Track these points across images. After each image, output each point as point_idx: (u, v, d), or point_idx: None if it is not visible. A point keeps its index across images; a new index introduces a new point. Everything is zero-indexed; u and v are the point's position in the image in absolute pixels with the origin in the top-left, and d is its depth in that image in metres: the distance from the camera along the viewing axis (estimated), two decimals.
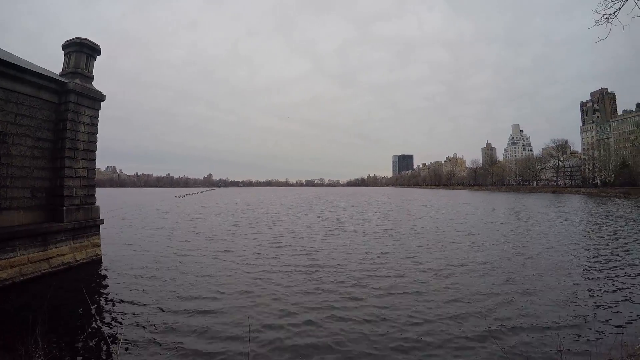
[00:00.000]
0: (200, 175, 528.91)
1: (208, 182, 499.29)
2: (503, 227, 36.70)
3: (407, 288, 15.27)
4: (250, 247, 25.02)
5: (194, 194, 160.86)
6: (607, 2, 8.69)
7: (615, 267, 19.17)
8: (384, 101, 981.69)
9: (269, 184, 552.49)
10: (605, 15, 8.77)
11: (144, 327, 11.05)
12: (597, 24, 8.90)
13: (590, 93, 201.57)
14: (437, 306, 12.99)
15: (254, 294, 14.45)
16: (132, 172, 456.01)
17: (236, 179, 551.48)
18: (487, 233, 32.34)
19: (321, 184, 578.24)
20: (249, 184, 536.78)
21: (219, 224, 39.97)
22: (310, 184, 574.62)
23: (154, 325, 11.21)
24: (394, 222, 41.89)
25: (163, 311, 12.42)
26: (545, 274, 17.74)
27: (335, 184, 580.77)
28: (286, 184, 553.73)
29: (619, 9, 8.64)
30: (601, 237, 30.17)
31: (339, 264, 19.55)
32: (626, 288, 15.19)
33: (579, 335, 10.71)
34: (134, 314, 12.16)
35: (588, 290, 15.11)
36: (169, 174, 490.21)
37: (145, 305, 13.05)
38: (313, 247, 25.00)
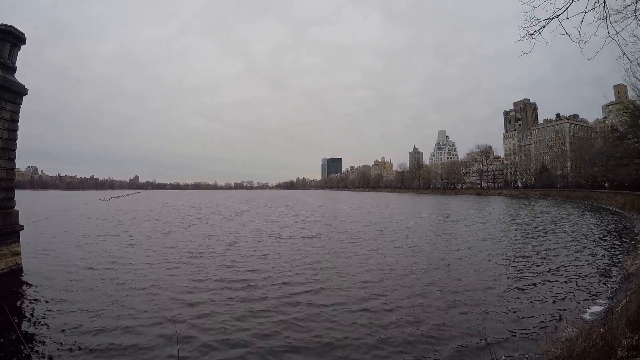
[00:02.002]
0: (127, 177, 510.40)
1: (134, 185, 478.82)
2: (432, 228, 38.30)
3: (341, 290, 15.52)
4: (173, 256, 23.14)
5: (120, 197, 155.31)
6: (532, 20, 9.69)
7: (536, 261, 21.35)
8: (315, 105, 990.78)
9: (197, 186, 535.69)
10: (531, 32, 9.80)
11: (64, 345, 10.39)
12: (522, 39, 9.92)
13: (514, 103, 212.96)
14: (366, 309, 13.14)
15: (182, 303, 13.78)
16: (55, 173, 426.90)
17: (164, 181, 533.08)
18: (418, 233, 33.57)
19: (250, 186, 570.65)
20: (176, 187, 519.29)
21: (145, 230, 37.21)
22: (239, 186, 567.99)
23: (77, 344, 10.46)
24: (325, 226, 40.85)
25: (85, 326, 11.65)
26: (473, 270, 19.12)
27: (265, 186, 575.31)
28: (215, 187, 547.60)
29: (544, 27, 9.77)
30: (524, 234, 33.38)
31: (270, 276, 17.92)
32: (545, 280, 17.32)
33: (503, 325, 11.70)
34: (57, 328, 11.57)
35: (511, 283, 16.80)
36: (93, 175, 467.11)
37: (65, 320, 12.21)
38: (242, 255, 23.68)
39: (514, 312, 12.82)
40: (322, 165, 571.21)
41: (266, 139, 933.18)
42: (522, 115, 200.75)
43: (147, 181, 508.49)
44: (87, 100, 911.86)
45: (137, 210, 71.52)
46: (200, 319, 12.23)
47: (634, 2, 11.53)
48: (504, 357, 9.47)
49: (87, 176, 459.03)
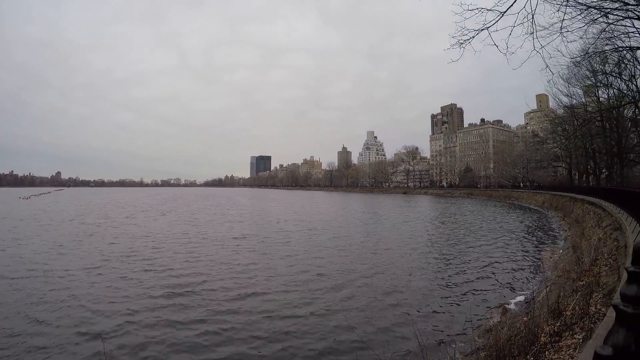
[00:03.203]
0: (48, 173, 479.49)
1: (57, 182, 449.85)
2: (363, 226, 38.25)
3: (272, 289, 15.39)
4: (97, 261, 20.43)
5: (41, 194, 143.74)
6: (463, 30, 10.59)
7: (463, 258, 21.80)
8: (246, 102, 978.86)
9: (122, 183, 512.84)
10: (460, 41, 10.68)
11: None
12: (452, 47, 10.73)
13: (441, 107, 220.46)
14: (298, 315, 12.50)
15: (108, 316, 12.33)
16: None
17: (87, 178, 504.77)
18: (349, 232, 33.02)
19: (177, 184, 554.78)
20: (101, 184, 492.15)
21: (67, 232, 33.01)
22: (166, 184, 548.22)
23: None
24: (256, 225, 39.58)
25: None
26: (403, 268, 19.00)
27: (192, 184, 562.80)
28: (141, 184, 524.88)
29: (473, 37, 10.60)
30: (451, 231, 34.00)
31: (202, 281, 16.60)
32: (473, 275, 17.93)
33: (433, 320, 11.95)
34: None
35: (440, 280, 17.09)
36: (12, 171, 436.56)
37: None
38: (170, 258, 21.54)
39: (443, 307, 13.26)
40: (251, 163, 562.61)
41: (195, 136, 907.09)
42: (448, 119, 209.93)
43: (70, 178, 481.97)
44: (6, 89, 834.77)
45: (59, 209, 65.36)
46: (128, 334, 11.06)
47: (560, 21, 13.33)
48: (432, 349, 9.53)
49: (6, 172, 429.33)
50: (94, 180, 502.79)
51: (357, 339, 10.23)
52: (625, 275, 0.98)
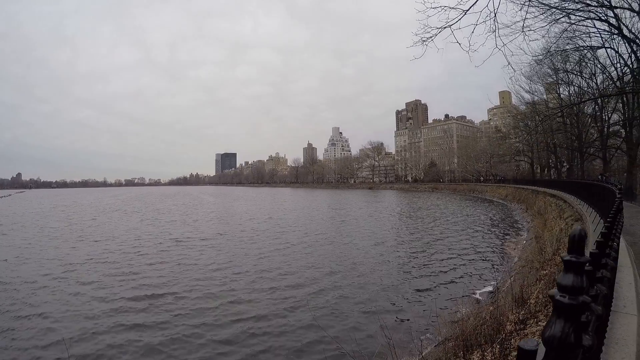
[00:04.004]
0: (8, 174, 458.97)
1: (17, 183, 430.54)
2: (331, 222, 38.21)
3: (243, 292, 14.87)
4: (58, 269, 19.16)
5: (1, 197, 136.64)
6: (426, 28, 10.94)
7: (430, 250, 22.51)
8: (211, 99, 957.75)
9: (85, 184, 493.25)
10: (423, 39, 11.06)
11: None
12: (415, 45, 11.12)
13: (406, 103, 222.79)
14: (260, 311, 12.63)
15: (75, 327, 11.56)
16: None
17: (49, 179, 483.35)
18: (317, 229, 32.84)
19: (142, 183, 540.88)
20: (63, 185, 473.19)
21: (29, 236, 31.52)
22: (130, 183, 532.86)
23: None
24: (223, 224, 38.63)
25: None
26: (372, 263, 19.37)
27: (157, 183, 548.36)
28: (104, 184, 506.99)
29: (436, 35, 10.97)
30: (418, 225, 34.85)
31: (171, 284, 16.06)
32: (439, 267, 18.42)
33: (401, 313, 12.31)
34: None
35: (409, 272, 17.56)
36: None
37: None
38: (135, 261, 20.63)
39: (411, 301, 13.49)
40: (216, 160, 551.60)
41: (159, 133, 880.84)
42: (413, 115, 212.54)
43: (30, 179, 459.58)
44: None
45: (19, 212, 62.23)
46: (92, 340, 10.72)
47: (522, 20, 14.27)
48: (399, 342, 9.60)
49: None
50: (56, 181, 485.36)
51: (325, 336, 10.26)
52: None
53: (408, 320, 11.63)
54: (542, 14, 19.03)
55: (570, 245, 1.00)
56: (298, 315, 12.20)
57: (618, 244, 3.72)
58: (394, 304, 13.26)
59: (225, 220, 42.31)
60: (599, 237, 2.09)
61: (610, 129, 39.76)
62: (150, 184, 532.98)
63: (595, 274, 1.44)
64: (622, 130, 37.04)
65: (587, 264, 0.96)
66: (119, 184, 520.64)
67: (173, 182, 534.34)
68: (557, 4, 19.42)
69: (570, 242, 1.01)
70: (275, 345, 10.20)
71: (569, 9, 20.24)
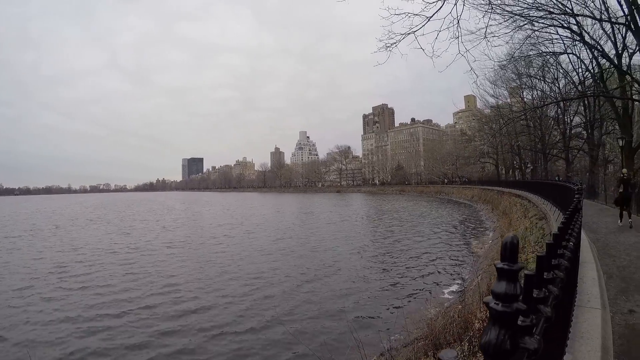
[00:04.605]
0: None
1: None
2: (299, 227, 38.03)
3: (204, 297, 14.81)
4: (19, 283, 17.91)
5: None
6: (390, 34, 11.37)
7: (399, 251, 22.98)
8: (177, 103, 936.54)
9: (49, 190, 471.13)
10: (388, 45, 11.52)
11: None
12: (379, 50, 11.65)
13: (373, 107, 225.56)
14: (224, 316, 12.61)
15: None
16: None
17: (11, 186, 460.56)
18: (286, 234, 32.51)
19: (107, 189, 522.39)
20: (26, 191, 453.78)
21: None
22: (95, 190, 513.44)
23: None
24: (190, 231, 37.55)
25: None
26: (342, 265, 19.62)
27: (123, 189, 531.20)
28: (69, 191, 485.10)
29: (400, 41, 11.45)
30: (387, 227, 35.22)
31: (137, 297, 15.08)
32: (409, 268, 18.71)
33: (370, 313, 12.45)
34: None
35: (378, 274, 17.83)
36: None
37: None
38: (101, 272, 19.76)
39: (380, 303, 13.48)
40: (183, 165, 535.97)
41: (125, 138, 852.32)
42: (380, 119, 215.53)
43: None
44: None
45: None
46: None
47: (485, 26, 15.05)
48: (369, 343, 9.58)
49: None
50: (19, 188, 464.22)
51: (294, 339, 10.22)
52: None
53: (378, 321, 11.71)
54: (506, 20, 19.72)
55: (503, 252, 0.99)
56: (267, 318, 12.16)
57: (578, 242, 3.83)
58: (364, 305, 13.33)
59: (194, 228, 41.35)
60: (551, 238, 2.10)
61: (573, 131, 41.63)
62: (115, 190, 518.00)
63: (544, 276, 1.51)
64: (584, 132, 38.81)
65: (521, 270, 0.96)
66: (84, 191, 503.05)
67: (139, 188, 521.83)
68: (520, 12, 20.11)
69: (503, 249, 0.99)
70: (244, 348, 10.16)
71: (533, 17, 20.97)
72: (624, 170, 16.19)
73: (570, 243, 2.35)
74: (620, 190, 14.44)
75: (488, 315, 0.97)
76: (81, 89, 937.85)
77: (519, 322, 1.00)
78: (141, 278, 18.18)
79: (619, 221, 14.20)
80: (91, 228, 42.80)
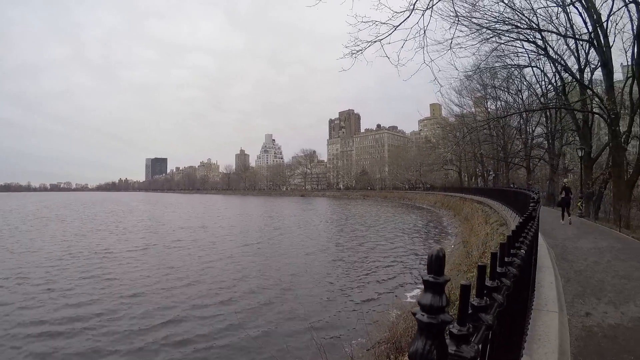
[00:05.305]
0: None
1: None
2: (264, 230, 37.88)
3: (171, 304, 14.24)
4: None
5: None
6: (357, 42, 11.67)
7: (363, 256, 23.20)
8: (143, 101, 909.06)
9: (7, 188, 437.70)
10: (353, 51, 11.82)
11: None
12: (345, 57, 11.88)
13: (339, 112, 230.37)
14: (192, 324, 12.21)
15: None
16: None
17: None
18: (251, 238, 32.28)
19: (68, 188, 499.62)
20: None
21: None
22: (56, 188, 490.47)
23: None
24: (154, 234, 35.92)
25: None
26: (305, 270, 19.55)
27: (84, 188, 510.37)
28: (28, 189, 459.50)
29: (365, 48, 11.76)
30: (351, 231, 35.90)
31: (94, 308, 13.87)
32: (372, 272, 19.05)
33: (332, 318, 12.48)
34: None
35: (341, 279, 17.88)
36: None
37: None
38: (58, 276, 18.63)
39: (342, 309, 13.47)
40: (147, 165, 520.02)
41: (88, 135, 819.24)
42: (346, 124, 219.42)
43: None
44: None
45: None
46: None
47: (451, 38, 15.86)
48: (331, 349, 9.67)
49: None
50: None
51: (256, 346, 10.16)
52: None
53: (341, 326, 11.70)
54: (473, 33, 20.35)
55: (429, 265, 1.01)
56: (229, 324, 11.97)
57: (531, 248, 3.97)
58: (327, 311, 13.31)
59: (158, 231, 39.85)
60: (497, 247, 2.08)
61: (534, 141, 43.34)
62: (77, 189, 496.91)
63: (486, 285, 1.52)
64: (545, 142, 40.47)
65: (446, 283, 1.00)
66: (44, 189, 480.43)
67: (101, 188, 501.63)
68: (488, 25, 20.82)
69: (429, 262, 1.02)
70: (203, 358, 10.00)
71: (500, 30, 21.74)
72: (565, 180, 21.82)
73: (522, 250, 2.36)
74: (563, 196, 18.22)
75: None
76: (45, 82, 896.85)
77: (455, 332, 1.05)
78: (101, 284, 17.14)
79: (561, 220, 17.76)
80: (50, 229, 40.41)
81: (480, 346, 1.08)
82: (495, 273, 1.73)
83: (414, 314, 0.97)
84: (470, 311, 1.30)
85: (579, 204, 23.42)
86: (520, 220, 3.46)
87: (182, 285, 16.86)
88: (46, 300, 14.79)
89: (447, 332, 1.01)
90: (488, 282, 1.55)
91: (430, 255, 1.02)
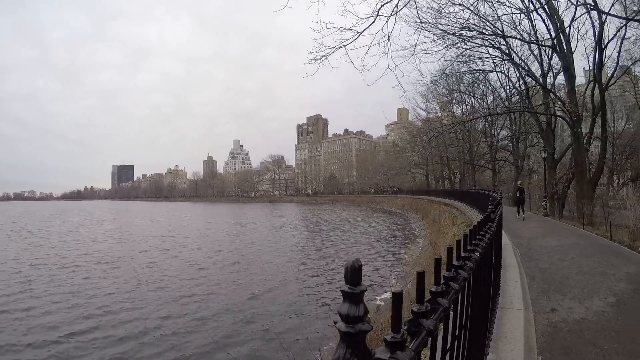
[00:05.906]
0: None
1: None
2: (232, 239, 37.11)
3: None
4: None
5: None
6: (321, 47, 11.73)
7: (333, 260, 23.30)
8: (108, 107, 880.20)
9: None
10: (317, 57, 11.87)
11: None
12: (310, 62, 11.86)
13: (307, 117, 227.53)
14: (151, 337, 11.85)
15: None
16: None
17: None
18: (218, 247, 31.34)
19: (32, 197, 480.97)
20: None
21: None
22: (19, 197, 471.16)
23: None
24: (119, 245, 34.33)
25: None
26: (274, 278, 19.38)
27: (49, 197, 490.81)
28: None
29: (330, 54, 11.82)
30: (320, 236, 35.72)
31: (55, 324, 13.08)
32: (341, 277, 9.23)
33: (301, 324, 12.56)
34: None
35: (310, 285, 18.01)
36: None
37: None
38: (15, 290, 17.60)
39: (312, 313, 13.69)
40: (112, 172, 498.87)
41: (52, 141, 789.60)
42: (314, 129, 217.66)
43: None
44: None
45: None
46: None
47: (415, 43, 16.41)
48: (301, 354, 9.84)
49: None
50: None
51: (226, 357, 10.19)
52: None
53: (311, 332, 11.80)
54: (439, 38, 20.77)
55: (345, 276, 1.03)
56: (199, 334, 11.85)
57: (495, 249, 4.01)
58: (297, 316, 13.39)
59: (125, 241, 38.49)
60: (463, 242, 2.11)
61: (499, 144, 44.62)
62: (41, 198, 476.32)
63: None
64: (510, 145, 41.63)
65: (363, 293, 1.03)
66: (7, 198, 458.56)
67: (66, 196, 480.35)
68: (453, 31, 21.21)
69: (345, 273, 1.04)
70: None
71: (465, 36, 22.18)
72: (519, 182, 26.31)
73: (476, 254, 2.34)
74: (517, 195, 22.11)
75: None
76: (7, 84, 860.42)
77: (388, 339, 1.06)
78: (65, 299, 16.32)
79: (517, 215, 20.58)
80: (13, 240, 38.60)
81: (414, 353, 1.09)
82: (441, 277, 1.67)
83: (335, 323, 0.98)
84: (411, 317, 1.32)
85: (543, 203, 24.12)
86: (475, 223, 3.37)
87: (150, 297, 16.39)
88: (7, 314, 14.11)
89: (382, 340, 1.06)
90: (432, 287, 1.53)
91: (346, 266, 1.02)
